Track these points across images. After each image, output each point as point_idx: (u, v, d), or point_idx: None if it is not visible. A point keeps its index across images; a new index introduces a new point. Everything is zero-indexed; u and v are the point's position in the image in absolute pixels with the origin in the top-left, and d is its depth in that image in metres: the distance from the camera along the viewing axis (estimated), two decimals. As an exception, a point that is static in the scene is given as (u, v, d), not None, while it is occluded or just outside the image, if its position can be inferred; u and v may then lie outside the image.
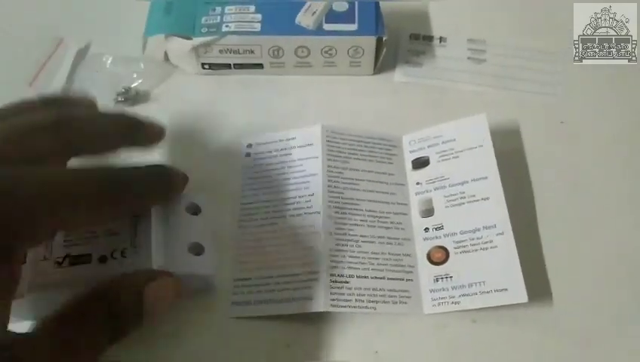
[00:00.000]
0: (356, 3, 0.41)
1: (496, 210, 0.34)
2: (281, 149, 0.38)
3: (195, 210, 0.33)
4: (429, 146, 0.38)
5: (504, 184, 0.34)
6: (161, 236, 0.30)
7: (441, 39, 0.45)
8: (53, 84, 0.42)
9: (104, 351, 0.25)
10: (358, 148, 0.38)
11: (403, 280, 0.34)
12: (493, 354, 0.32)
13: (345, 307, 0.32)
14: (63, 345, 0.24)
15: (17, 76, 0.42)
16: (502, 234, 0.33)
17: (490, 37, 0.45)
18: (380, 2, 0.41)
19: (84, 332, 0.25)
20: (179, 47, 0.41)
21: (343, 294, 0.32)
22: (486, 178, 0.35)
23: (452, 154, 0.37)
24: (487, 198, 0.34)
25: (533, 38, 0.45)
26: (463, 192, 0.35)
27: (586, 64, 0.43)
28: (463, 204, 0.35)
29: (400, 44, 0.44)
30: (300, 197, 0.36)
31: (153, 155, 0.34)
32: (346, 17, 0.40)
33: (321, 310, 0.32)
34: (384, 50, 0.41)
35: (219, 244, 0.34)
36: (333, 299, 0.32)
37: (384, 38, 0.40)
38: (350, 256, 0.34)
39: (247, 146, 0.39)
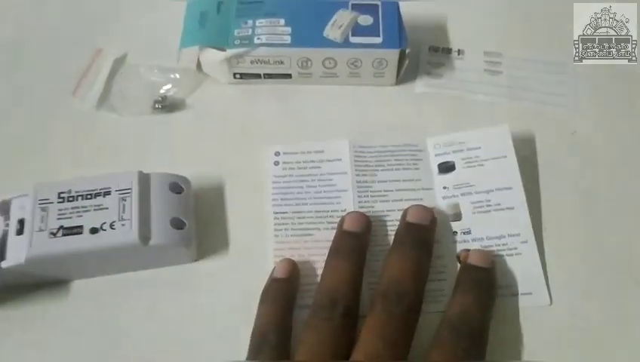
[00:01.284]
0: (380, 17, 0.43)
1: (520, 219, 0.37)
2: (310, 161, 0.40)
3: (178, 190, 0.37)
4: (454, 151, 0.40)
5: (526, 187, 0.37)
6: (145, 211, 0.35)
7: (459, 52, 0.47)
8: (93, 92, 0.44)
9: None
10: (384, 158, 0.40)
11: (436, 280, 0.36)
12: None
13: None
14: None
15: (61, 86, 0.44)
16: (526, 242, 0.36)
17: (506, 49, 0.47)
18: (402, 16, 0.43)
19: None
20: (213, 57, 0.43)
21: None
22: (511, 188, 0.38)
23: (477, 161, 0.39)
24: (512, 208, 0.37)
25: (545, 51, 0.47)
26: (489, 200, 0.38)
27: (597, 74, 0.45)
28: (490, 211, 0.37)
29: (420, 57, 0.47)
30: (332, 211, 0.38)
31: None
32: (370, 31, 0.43)
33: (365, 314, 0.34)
34: (406, 61, 0.43)
35: (253, 248, 0.37)
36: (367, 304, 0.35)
37: (407, 51, 0.42)
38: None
39: (276, 154, 0.41)
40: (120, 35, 0.48)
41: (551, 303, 0.34)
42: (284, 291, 0.35)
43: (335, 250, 0.35)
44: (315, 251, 0.37)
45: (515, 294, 0.35)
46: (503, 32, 0.48)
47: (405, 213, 0.36)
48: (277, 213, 0.39)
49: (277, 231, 0.38)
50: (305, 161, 0.41)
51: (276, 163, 0.41)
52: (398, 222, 0.37)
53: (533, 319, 0.35)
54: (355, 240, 0.36)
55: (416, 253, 0.34)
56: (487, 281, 0.34)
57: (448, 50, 0.47)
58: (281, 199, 0.39)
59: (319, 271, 0.36)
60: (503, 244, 0.36)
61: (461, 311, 0.32)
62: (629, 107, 0.44)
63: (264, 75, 0.44)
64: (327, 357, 0.31)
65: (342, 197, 0.39)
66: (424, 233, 0.36)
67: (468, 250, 0.36)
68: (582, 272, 0.36)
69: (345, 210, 0.38)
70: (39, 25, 0.49)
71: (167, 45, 0.44)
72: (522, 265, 0.35)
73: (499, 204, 0.37)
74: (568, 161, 0.41)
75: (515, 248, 0.36)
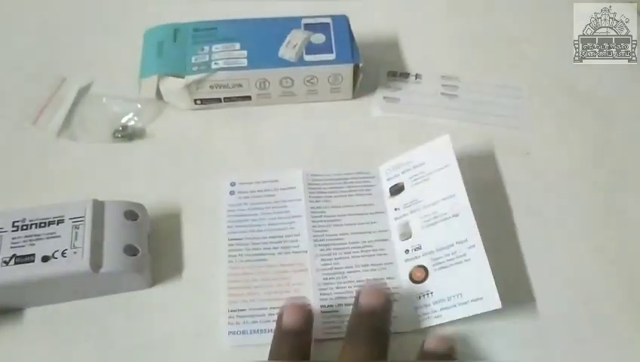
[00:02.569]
0: (332, 35, 0.44)
1: (466, 225, 0.37)
2: (265, 190, 0.41)
3: (133, 217, 0.37)
4: (402, 173, 0.41)
5: (478, 208, 0.37)
6: (98, 238, 0.35)
7: (416, 76, 0.48)
8: (55, 121, 0.45)
9: None
10: (337, 185, 0.41)
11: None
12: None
13: (338, 333, 0.35)
14: None
15: (21, 114, 0.45)
16: (473, 246, 0.36)
17: (463, 73, 0.48)
18: (358, 40, 0.44)
19: None
20: (172, 85, 0.44)
21: (334, 322, 0.35)
22: (454, 195, 0.38)
23: (422, 177, 0.40)
24: (457, 215, 0.37)
25: (501, 75, 0.48)
26: (435, 211, 0.38)
27: (551, 99, 0.46)
28: (437, 222, 0.38)
29: (379, 81, 0.48)
30: (286, 236, 0.39)
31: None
32: (324, 48, 0.44)
33: (319, 338, 0.34)
34: (361, 75, 0.44)
35: (207, 274, 0.38)
36: (326, 328, 0.35)
37: (360, 65, 0.44)
38: (337, 288, 0.37)
39: (231, 185, 0.41)
40: (84, 64, 0.48)
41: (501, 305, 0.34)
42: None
43: (277, 353, 0.32)
44: (269, 275, 0.37)
45: (466, 302, 0.35)
46: (460, 56, 0.50)
47: (358, 295, 0.34)
48: (231, 239, 0.39)
49: (231, 257, 0.38)
50: (259, 190, 0.41)
51: (232, 192, 0.41)
52: (350, 244, 0.38)
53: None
54: (296, 339, 0.33)
55: (369, 348, 0.32)
56: None
57: (406, 75, 0.48)
58: (236, 226, 0.40)
59: (273, 295, 0.36)
60: (452, 253, 0.36)
61: None
62: (580, 128, 0.45)
63: (224, 98, 0.45)
64: None
65: (296, 222, 0.39)
66: (377, 321, 0.33)
67: (421, 266, 0.37)
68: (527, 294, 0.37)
69: (299, 235, 0.39)
70: (3, 52, 0.50)
71: (130, 74, 0.45)
72: (471, 271, 0.35)
73: (445, 214, 0.38)
74: (521, 181, 0.42)
75: (464, 254, 0.36)
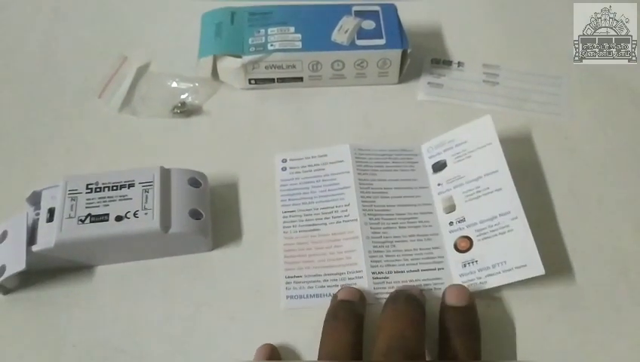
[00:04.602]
0: (381, 21, 0.47)
1: (508, 198, 0.39)
2: (315, 165, 0.44)
3: (196, 184, 0.40)
4: (444, 151, 0.43)
5: (519, 187, 0.39)
6: (166, 202, 0.38)
7: (459, 63, 0.50)
8: (117, 96, 0.48)
9: None
10: (383, 161, 0.43)
11: (435, 269, 0.39)
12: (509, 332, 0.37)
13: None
14: None
15: (88, 88, 0.48)
16: (516, 218, 0.38)
17: (504, 62, 0.50)
18: (405, 27, 0.47)
19: None
20: (230, 65, 0.46)
21: (385, 288, 0.38)
22: (497, 171, 0.40)
23: (465, 154, 0.42)
24: (500, 189, 0.39)
25: (540, 64, 0.50)
26: (479, 186, 0.40)
27: (589, 87, 0.48)
28: (480, 196, 0.40)
29: (423, 68, 0.50)
30: (337, 206, 0.41)
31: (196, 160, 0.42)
32: (374, 34, 0.47)
33: (370, 303, 0.37)
34: (408, 60, 0.47)
35: (263, 240, 0.40)
36: (377, 292, 0.37)
37: (408, 50, 0.46)
38: (387, 255, 0.39)
39: (283, 161, 0.44)
40: (144, 44, 0.51)
41: (545, 272, 0.36)
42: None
43: (333, 316, 0.35)
44: (322, 244, 0.40)
45: (510, 269, 0.37)
46: (501, 45, 0.52)
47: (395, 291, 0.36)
48: (285, 211, 0.41)
49: (286, 229, 0.41)
50: (310, 165, 0.44)
51: (283, 168, 0.44)
52: (397, 215, 0.40)
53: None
54: (352, 306, 0.35)
55: (411, 307, 0.34)
56: (469, 321, 0.35)
57: (449, 63, 0.50)
58: (289, 199, 0.42)
59: (327, 262, 0.39)
60: (496, 225, 0.38)
61: (450, 355, 0.33)
62: (617, 116, 0.47)
63: (277, 79, 0.48)
64: None
65: (345, 193, 0.42)
66: (414, 291, 0.36)
67: (465, 237, 0.39)
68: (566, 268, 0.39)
69: (348, 205, 0.41)
70: (69, 34, 0.53)
71: (186, 54, 0.48)
72: (515, 241, 0.37)
73: (488, 188, 0.40)
74: (559, 162, 0.44)
75: (507, 225, 0.38)
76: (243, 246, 0.40)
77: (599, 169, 0.44)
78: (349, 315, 0.35)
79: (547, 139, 0.45)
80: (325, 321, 0.35)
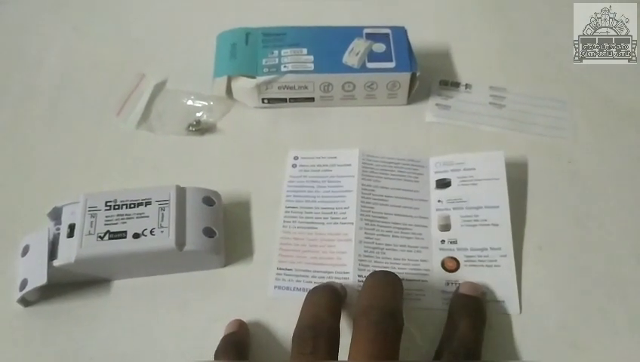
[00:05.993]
0: (392, 44, 0.48)
1: (503, 236, 0.41)
2: (324, 165, 0.46)
3: (210, 203, 0.42)
4: (452, 170, 0.44)
5: (519, 208, 0.40)
6: (181, 220, 0.39)
7: (466, 85, 0.51)
8: (135, 113, 0.49)
9: None
10: (389, 168, 0.45)
11: (419, 281, 0.40)
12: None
13: None
14: None
15: (106, 106, 0.50)
16: (505, 256, 0.40)
17: (510, 85, 0.51)
18: (414, 49, 0.48)
19: None
20: (243, 85, 0.48)
21: None
22: (498, 207, 0.42)
23: (471, 181, 0.43)
24: (497, 225, 0.41)
25: (546, 87, 0.52)
26: (477, 216, 0.42)
27: (593, 113, 0.49)
28: (476, 225, 0.42)
29: (431, 89, 0.51)
30: (337, 208, 0.43)
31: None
32: (384, 57, 0.48)
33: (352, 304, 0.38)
34: (417, 83, 0.48)
35: (263, 236, 0.42)
36: None
37: (417, 74, 0.47)
38: (375, 261, 0.41)
39: (294, 158, 0.46)
40: (161, 62, 0.53)
41: (520, 312, 0.38)
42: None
43: (313, 289, 0.37)
44: (317, 242, 0.42)
45: (489, 301, 0.39)
46: (508, 68, 0.53)
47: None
48: (288, 206, 0.44)
49: (285, 223, 0.43)
50: (319, 164, 0.46)
51: (294, 165, 0.46)
52: (392, 224, 0.42)
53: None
54: (333, 285, 0.38)
55: (390, 277, 0.36)
56: (478, 307, 0.37)
57: (457, 84, 0.52)
58: (294, 195, 0.44)
59: (318, 260, 0.41)
60: (485, 256, 0.40)
61: (457, 335, 0.36)
62: (621, 141, 0.48)
63: (289, 99, 0.49)
64: None
65: (347, 196, 0.43)
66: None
67: (453, 258, 0.40)
68: (569, 291, 0.40)
69: (348, 208, 0.43)
70: (88, 52, 0.55)
71: (202, 72, 0.49)
72: (499, 276, 0.39)
73: (485, 220, 0.41)
74: (562, 185, 0.45)
75: (495, 261, 0.40)
76: (254, 263, 0.42)
77: (601, 193, 0.45)
78: (330, 288, 0.37)
79: (550, 161, 0.46)
80: (306, 295, 0.37)
